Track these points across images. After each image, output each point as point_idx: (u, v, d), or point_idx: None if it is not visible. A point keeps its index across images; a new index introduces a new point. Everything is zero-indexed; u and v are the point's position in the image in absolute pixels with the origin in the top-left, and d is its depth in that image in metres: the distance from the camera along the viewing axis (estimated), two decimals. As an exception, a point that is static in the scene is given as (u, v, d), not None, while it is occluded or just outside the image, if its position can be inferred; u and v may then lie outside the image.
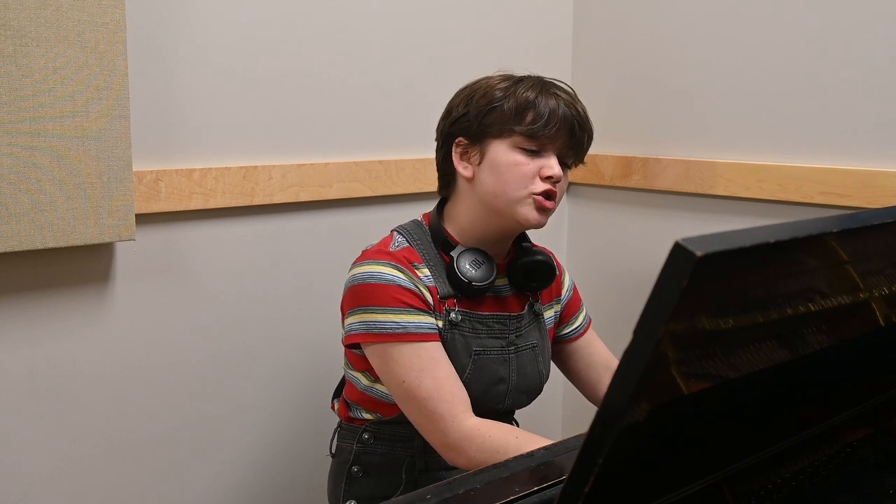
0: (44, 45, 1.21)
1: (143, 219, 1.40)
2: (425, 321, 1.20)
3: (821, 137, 1.61)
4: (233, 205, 1.50)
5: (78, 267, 1.36)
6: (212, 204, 1.47)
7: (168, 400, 1.49)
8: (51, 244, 1.26)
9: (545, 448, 0.93)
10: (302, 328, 1.65)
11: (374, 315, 1.20)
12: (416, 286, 1.22)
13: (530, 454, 0.92)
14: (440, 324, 1.24)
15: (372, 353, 1.22)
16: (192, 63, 1.44)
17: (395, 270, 1.21)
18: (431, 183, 1.74)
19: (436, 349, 1.20)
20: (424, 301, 1.22)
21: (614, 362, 1.46)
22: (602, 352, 1.46)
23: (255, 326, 1.58)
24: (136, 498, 1.47)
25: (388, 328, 1.19)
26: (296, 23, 1.56)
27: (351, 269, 1.26)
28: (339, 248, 1.66)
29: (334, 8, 1.61)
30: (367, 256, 1.26)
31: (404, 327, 1.19)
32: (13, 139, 1.20)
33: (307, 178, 1.59)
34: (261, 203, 1.53)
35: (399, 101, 1.73)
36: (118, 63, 1.28)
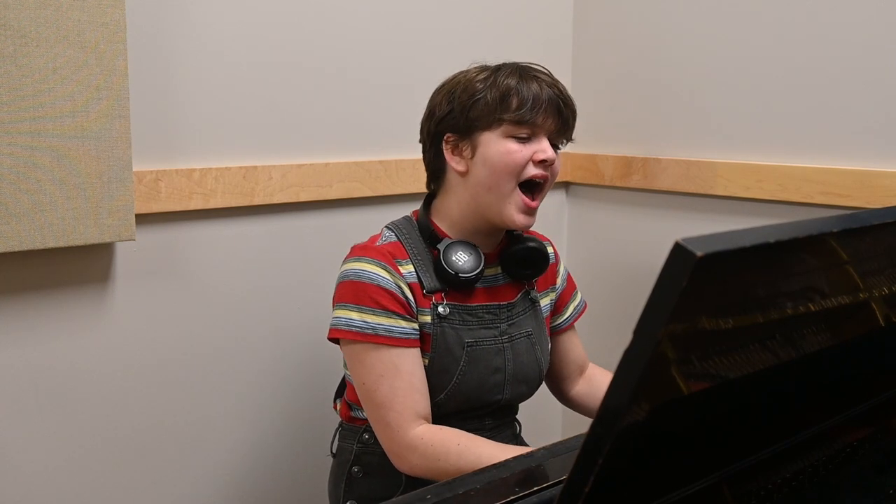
0: (44, 45, 1.21)
1: (143, 219, 1.40)
2: (397, 325, 1.21)
3: (821, 137, 1.61)
4: (233, 205, 1.50)
5: (78, 267, 1.36)
6: (212, 204, 1.47)
7: (168, 400, 1.49)
8: (51, 244, 1.26)
9: (545, 448, 0.93)
10: (302, 328, 1.65)
11: (349, 312, 1.21)
12: (398, 284, 1.22)
13: (530, 454, 0.93)
14: (428, 319, 1.24)
15: (344, 350, 1.25)
16: (192, 63, 1.44)
17: (377, 268, 1.22)
18: (431, 183, 1.74)
19: (401, 356, 1.21)
20: (402, 304, 1.22)
21: (587, 364, 1.48)
22: (577, 350, 1.47)
23: (255, 326, 1.58)
24: (136, 497, 1.47)
25: (357, 327, 1.20)
26: (296, 23, 1.56)
27: (341, 265, 1.28)
28: (339, 248, 1.65)
29: (334, 8, 1.61)
30: (354, 253, 1.27)
31: (374, 329, 1.20)
32: (13, 139, 1.20)
33: (307, 178, 1.59)
34: (261, 203, 1.53)
35: (399, 100, 1.73)
36: (118, 63, 1.28)
